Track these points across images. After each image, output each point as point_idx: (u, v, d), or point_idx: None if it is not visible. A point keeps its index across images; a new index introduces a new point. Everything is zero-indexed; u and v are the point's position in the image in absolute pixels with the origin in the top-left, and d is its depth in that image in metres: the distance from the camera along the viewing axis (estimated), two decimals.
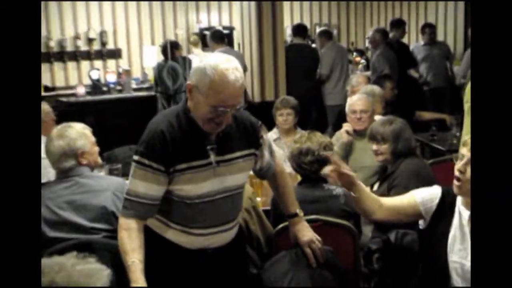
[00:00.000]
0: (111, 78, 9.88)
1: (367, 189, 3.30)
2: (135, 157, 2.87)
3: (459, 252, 3.02)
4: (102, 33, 10.42)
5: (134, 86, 9.97)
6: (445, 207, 3.08)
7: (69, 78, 10.22)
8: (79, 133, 3.85)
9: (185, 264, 3.02)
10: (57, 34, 10.21)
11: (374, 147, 4.37)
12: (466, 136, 3.08)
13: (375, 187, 4.60)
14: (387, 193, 4.17)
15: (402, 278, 3.38)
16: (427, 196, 3.14)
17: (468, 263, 2.95)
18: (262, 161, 3.17)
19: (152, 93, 9.06)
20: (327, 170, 3.29)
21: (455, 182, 2.93)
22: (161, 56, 9.11)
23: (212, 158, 2.89)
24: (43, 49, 9.92)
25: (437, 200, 3.11)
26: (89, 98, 9.41)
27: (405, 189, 3.64)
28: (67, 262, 1.94)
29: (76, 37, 10.29)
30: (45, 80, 10.00)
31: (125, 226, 2.86)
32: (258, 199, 4.26)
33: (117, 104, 9.29)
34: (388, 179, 4.31)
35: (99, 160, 4.06)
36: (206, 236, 3.02)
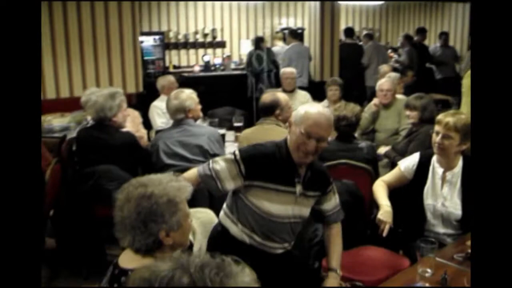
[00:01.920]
0: (217, 61, 9.97)
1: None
2: (236, 152, 2.53)
3: (431, 197, 3.04)
4: (213, 30, 10.48)
5: (233, 66, 10.04)
6: (422, 167, 3.09)
7: (189, 60, 10.37)
8: (188, 96, 3.98)
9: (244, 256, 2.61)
10: (183, 30, 10.35)
11: (407, 112, 4.41)
12: (440, 115, 3.03)
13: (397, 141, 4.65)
14: (408, 144, 4.25)
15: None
16: (408, 163, 3.16)
17: (438, 204, 2.97)
18: (328, 203, 2.72)
19: (244, 72, 9.12)
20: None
21: (437, 149, 2.95)
22: (252, 47, 9.15)
23: (298, 189, 2.52)
24: (173, 41, 10.14)
25: (416, 164, 3.11)
26: (201, 74, 9.50)
27: (423, 143, 3.71)
28: (164, 179, 1.90)
29: (196, 32, 10.41)
30: (174, 61, 10.21)
31: (186, 176, 2.51)
32: None
33: (220, 78, 9.36)
34: (411, 135, 4.40)
35: (201, 115, 4.18)
36: (260, 245, 2.57)
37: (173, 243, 1.86)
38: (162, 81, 5.87)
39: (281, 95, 3.98)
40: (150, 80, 8.24)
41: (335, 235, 2.78)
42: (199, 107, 4.06)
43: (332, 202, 2.74)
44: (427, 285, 2.09)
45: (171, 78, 5.89)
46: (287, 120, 4.01)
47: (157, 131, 4.92)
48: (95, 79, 7.39)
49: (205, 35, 10.46)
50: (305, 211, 2.62)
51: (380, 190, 3.11)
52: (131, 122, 5.42)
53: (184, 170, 2.98)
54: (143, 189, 1.84)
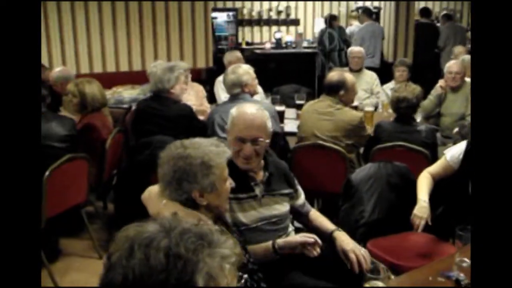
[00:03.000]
0: (289, 38, 9.88)
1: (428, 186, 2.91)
2: None
3: None
4: (287, 7, 10.39)
5: (305, 45, 9.88)
6: (469, 156, 2.89)
7: (262, 37, 10.34)
8: (245, 71, 3.96)
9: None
10: (257, 7, 10.33)
11: None
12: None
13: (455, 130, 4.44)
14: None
15: None
16: (454, 153, 2.96)
17: None
18: (300, 198, 2.67)
19: (316, 50, 8.97)
20: None
21: None
22: (324, 25, 8.96)
23: (258, 191, 2.42)
24: (247, 17, 10.14)
25: (462, 152, 2.91)
26: (272, 51, 9.46)
27: None
28: (205, 143, 2.00)
29: (269, 9, 10.36)
30: (247, 37, 10.23)
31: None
32: (368, 127, 4.14)
33: (291, 56, 9.26)
34: None
35: (257, 90, 4.17)
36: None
37: (208, 204, 1.97)
38: (229, 57, 5.89)
39: (348, 76, 3.90)
40: (222, 56, 8.31)
41: (315, 213, 2.71)
42: (256, 82, 4.05)
43: (302, 195, 2.69)
44: (461, 275, 1.99)
45: (238, 54, 5.90)
46: (350, 102, 3.95)
47: None
48: (167, 54, 7.56)
49: (278, 12, 10.39)
50: (278, 210, 2.49)
51: (423, 182, 2.94)
52: (194, 95, 5.51)
53: None
54: (182, 150, 1.96)
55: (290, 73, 8.34)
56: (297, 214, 2.70)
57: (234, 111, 2.44)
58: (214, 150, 1.99)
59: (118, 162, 4.36)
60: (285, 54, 9.30)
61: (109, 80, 6.40)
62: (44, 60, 6.65)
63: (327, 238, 2.47)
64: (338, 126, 3.77)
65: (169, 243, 0.97)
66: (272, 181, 2.49)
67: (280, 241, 2.26)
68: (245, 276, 1.94)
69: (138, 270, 0.96)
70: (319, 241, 2.19)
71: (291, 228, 2.62)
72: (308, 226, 2.69)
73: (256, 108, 2.45)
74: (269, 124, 2.45)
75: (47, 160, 3.44)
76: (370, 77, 5.86)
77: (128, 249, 0.99)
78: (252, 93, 3.99)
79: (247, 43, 10.01)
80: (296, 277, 2.30)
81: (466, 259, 2.10)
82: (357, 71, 5.79)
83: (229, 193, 2.09)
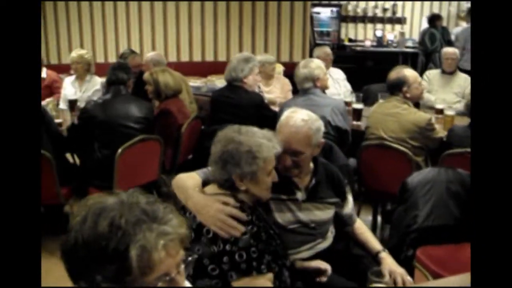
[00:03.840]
0: (390, 37, 9.62)
1: None
2: None
3: None
4: (394, 5, 10.11)
5: (409, 44, 9.54)
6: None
7: (366, 34, 10.15)
8: (317, 66, 3.93)
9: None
10: (363, 3, 10.15)
11: None
12: None
13: None
14: None
15: None
16: None
17: None
18: (346, 207, 2.58)
19: (417, 50, 8.65)
20: None
21: None
22: (427, 24, 8.62)
23: (299, 195, 2.38)
24: (351, 14, 10.00)
25: None
26: (372, 49, 9.27)
27: None
28: (260, 133, 2.08)
29: (375, 6, 10.14)
30: (351, 34, 10.09)
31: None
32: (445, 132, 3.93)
33: (390, 55, 9.01)
34: None
35: (328, 85, 4.13)
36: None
37: (246, 190, 2.06)
38: (318, 52, 5.88)
39: (408, 71, 3.78)
40: None
41: (362, 227, 2.64)
42: (327, 77, 4.01)
43: (350, 205, 2.60)
44: None
45: (327, 50, 5.87)
46: (417, 98, 3.79)
47: None
48: (264, 46, 7.68)
49: (384, 10, 10.13)
50: (318, 216, 2.43)
51: None
52: (280, 88, 5.58)
53: None
54: (237, 134, 2.05)
55: (387, 72, 8.10)
56: (342, 223, 2.62)
57: (284, 114, 2.38)
58: (265, 143, 2.05)
59: (194, 147, 4.52)
60: (385, 53, 9.07)
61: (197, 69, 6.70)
62: (136, 46, 7.12)
63: (373, 256, 2.45)
64: (403, 127, 3.65)
65: (115, 215, 1.05)
66: (319, 189, 2.44)
67: (299, 263, 2.32)
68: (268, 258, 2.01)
69: (86, 235, 1.05)
70: (330, 271, 2.23)
71: (331, 233, 2.57)
72: (352, 237, 2.63)
73: (305, 119, 2.34)
74: (317, 136, 2.36)
75: (122, 138, 3.69)
76: (464, 80, 5.56)
77: (83, 215, 1.07)
78: (323, 88, 3.96)
79: (350, 40, 9.88)
80: None
81: None
82: (450, 73, 5.53)
83: (270, 186, 2.12)
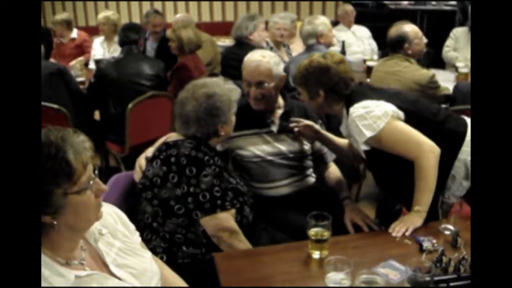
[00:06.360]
0: None
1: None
2: None
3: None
4: None
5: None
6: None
7: None
8: (321, 22, 3.95)
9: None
10: None
11: None
12: None
13: None
14: None
15: None
16: None
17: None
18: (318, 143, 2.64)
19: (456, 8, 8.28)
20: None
21: None
22: None
23: (274, 127, 2.57)
24: None
25: None
26: (409, 7, 8.69)
27: None
28: (221, 81, 2.28)
29: None
30: None
31: None
32: None
33: (426, 13, 8.43)
34: None
35: (332, 42, 4.12)
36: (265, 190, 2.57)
37: (224, 133, 2.26)
38: (339, 10, 5.83)
39: (409, 26, 3.65)
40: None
41: (335, 172, 2.70)
42: (331, 34, 4.01)
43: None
44: (432, 241, 1.91)
45: (346, 7, 5.80)
46: (419, 54, 3.73)
47: None
48: (296, 8, 7.70)
49: None
50: (296, 147, 2.59)
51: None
52: (301, 46, 5.58)
53: None
54: (206, 89, 2.22)
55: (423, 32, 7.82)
56: (317, 159, 2.71)
57: (246, 57, 2.58)
58: (231, 88, 2.27)
59: None
60: (421, 11, 8.69)
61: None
62: (170, 8, 7.25)
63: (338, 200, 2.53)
64: (405, 85, 3.53)
65: (50, 139, 1.32)
66: (290, 117, 2.57)
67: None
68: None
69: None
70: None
71: (310, 172, 2.66)
72: (324, 177, 2.72)
73: (263, 55, 2.56)
74: (277, 68, 2.53)
75: (134, 95, 3.85)
76: None
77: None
78: (328, 45, 3.97)
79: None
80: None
81: (449, 226, 2.01)
82: None
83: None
